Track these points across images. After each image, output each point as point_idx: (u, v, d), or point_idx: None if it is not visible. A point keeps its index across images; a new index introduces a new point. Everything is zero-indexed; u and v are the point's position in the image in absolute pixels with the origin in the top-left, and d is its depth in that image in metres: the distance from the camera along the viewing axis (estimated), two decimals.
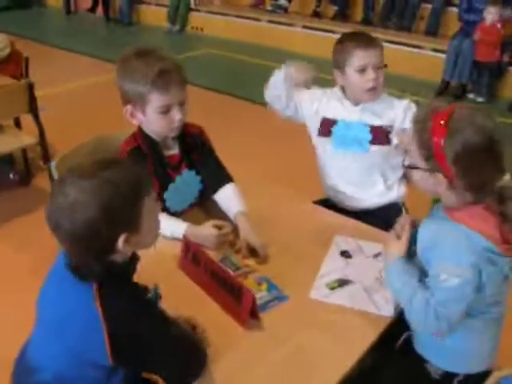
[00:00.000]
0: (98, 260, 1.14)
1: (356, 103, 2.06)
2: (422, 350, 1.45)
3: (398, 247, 1.40)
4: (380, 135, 2.03)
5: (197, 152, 1.89)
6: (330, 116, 2.10)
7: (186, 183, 1.89)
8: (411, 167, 1.37)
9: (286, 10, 7.94)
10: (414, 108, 2.02)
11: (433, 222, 1.38)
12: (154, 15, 8.87)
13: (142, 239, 1.19)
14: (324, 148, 2.15)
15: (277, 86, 2.10)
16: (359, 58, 1.97)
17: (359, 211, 2.11)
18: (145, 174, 1.22)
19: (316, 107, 2.13)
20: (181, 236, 1.72)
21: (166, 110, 1.71)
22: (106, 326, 1.10)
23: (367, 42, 1.99)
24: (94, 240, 1.11)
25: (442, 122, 1.26)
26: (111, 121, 2.38)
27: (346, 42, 2.02)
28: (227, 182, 1.87)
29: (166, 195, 1.84)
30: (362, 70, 1.97)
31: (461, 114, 1.28)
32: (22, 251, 2.98)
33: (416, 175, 1.38)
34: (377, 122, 2.03)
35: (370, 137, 2.03)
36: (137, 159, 1.73)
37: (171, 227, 1.74)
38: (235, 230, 1.74)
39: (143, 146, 1.79)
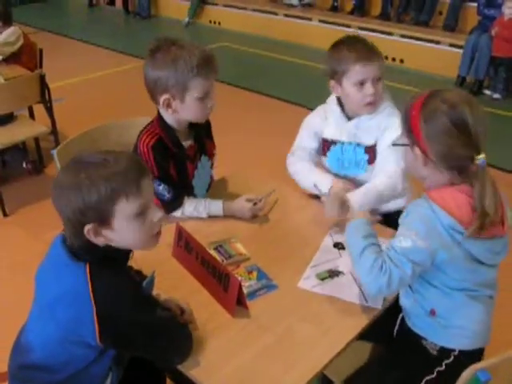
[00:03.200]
0: (80, 241, 1.20)
1: (351, 116, 1.97)
2: (417, 329, 1.48)
3: (363, 214, 1.53)
4: (375, 154, 1.95)
5: (207, 136, 1.95)
6: (327, 136, 2.03)
7: (204, 169, 1.96)
8: (397, 144, 1.46)
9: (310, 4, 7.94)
10: (392, 129, 1.85)
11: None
12: (173, 8, 8.91)
13: (117, 237, 1.21)
14: (324, 165, 2.09)
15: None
16: (358, 72, 1.84)
17: None
18: (129, 178, 1.18)
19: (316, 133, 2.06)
20: (220, 212, 1.84)
21: (204, 97, 1.74)
22: (95, 306, 1.13)
23: (367, 54, 1.85)
24: (69, 223, 1.19)
25: (421, 99, 1.35)
26: (126, 110, 2.43)
27: (345, 51, 1.87)
28: None
29: (194, 182, 1.91)
30: (361, 84, 1.86)
31: (440, 92, 1.35)
32: (34, 236, 3.09)
33: (403, 154, 1.46)
34: (370, 141, 1.95)
35: (366, 157, 1.96)
36: (160, 153, 1.77)
37: (208, 207, 1.84)
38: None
39: (165, 139, 1.80)
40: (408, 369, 1.46)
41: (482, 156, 1.30)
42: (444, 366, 1.42)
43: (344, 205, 1.78)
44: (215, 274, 1.45)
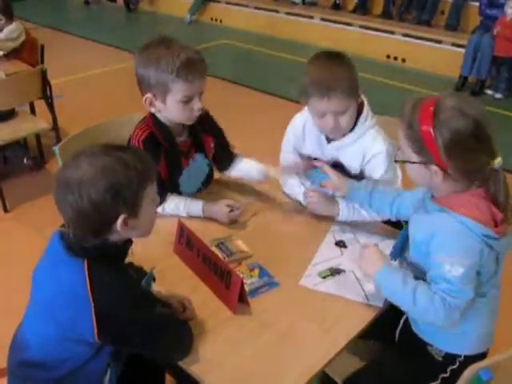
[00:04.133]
0: (96, 237, 1.17)
1: (330, 138, 1.85)
2: (422, 335, 1.46)
3: (379, 261, 1.39)
4: (364, 176, 1.85)
5: (204, 131, 1.91)
6: (308, 153, 1.93)
7: (198, 166, 1.94)
8: (404, 161, 1.36)
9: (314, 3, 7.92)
10: (377, 163, 1.79)
11: (424, 215, 1.37)
12: (175, 5, 8.90)
13: (139, 225, 1.22)
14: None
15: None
16: (318, 106, 1.71)
17: None
18: (153, 163, 1.24)
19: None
20: (200, 213, 1.80)
21: (187, 100, 1.71)
22: (93, 303, 1.13)
23: (327, 88, 1.65)
24: (95, 215, 1.13)
25: (428, 112, 1.26)
26: (127, 107, 2.43)
27: (310, 80, 1.70)
28: (239, 157, 2.02)
29: (180, 179, 1.88)
30: (322, 115, 1.73)
31: (445, 102, 1.27)
32: (34, 232, 3.07)
33: (411, 171, 1.37)
34: (355, 170, 1.84)
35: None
36: (151, 148, 1.75)
37: (187, 207, 1.81)
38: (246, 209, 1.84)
39: (157, 134, 1.79)
40: (411, 373, 1.44)
41: (499, 159, 1.27)
42: (449, 373, 1.41)
43: (330, 200, 1.79)
44: (217, 271, 1.45)
